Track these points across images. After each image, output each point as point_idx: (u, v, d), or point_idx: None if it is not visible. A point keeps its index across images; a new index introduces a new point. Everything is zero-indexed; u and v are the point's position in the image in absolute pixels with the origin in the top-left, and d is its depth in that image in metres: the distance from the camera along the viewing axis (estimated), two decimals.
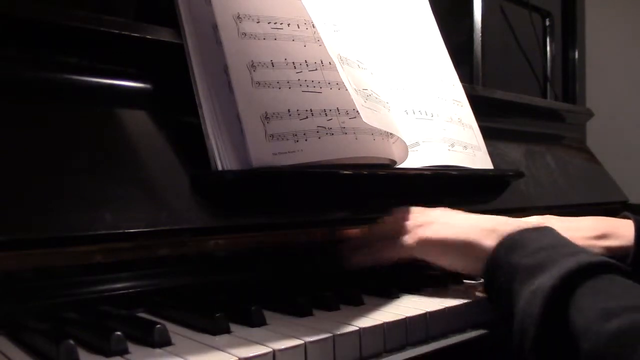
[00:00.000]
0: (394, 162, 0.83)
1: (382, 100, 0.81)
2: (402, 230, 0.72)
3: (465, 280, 0.77)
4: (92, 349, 0.48)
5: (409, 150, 0.84)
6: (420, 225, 0.72)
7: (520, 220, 0.70)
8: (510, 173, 1.05)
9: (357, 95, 0.74)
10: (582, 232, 0.84)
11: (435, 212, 0.74)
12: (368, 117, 0.73)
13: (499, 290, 0.61)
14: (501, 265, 0.61)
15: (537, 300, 0.53)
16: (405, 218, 0.74)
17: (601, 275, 0.54)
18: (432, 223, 0.71)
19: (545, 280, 0.54)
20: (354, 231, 0.80)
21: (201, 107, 0.69)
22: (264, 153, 0.68)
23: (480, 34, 1.27)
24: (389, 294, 0.67)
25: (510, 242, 0.62)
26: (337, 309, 0.61)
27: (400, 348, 0.56)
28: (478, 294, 0.69)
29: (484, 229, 0.66)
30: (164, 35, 0.71)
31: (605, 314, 0.49)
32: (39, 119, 0.61)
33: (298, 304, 0.59)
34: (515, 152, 1.20)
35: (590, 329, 0.49)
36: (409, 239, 0.71)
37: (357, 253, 0.75)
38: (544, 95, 1.55)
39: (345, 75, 0.74)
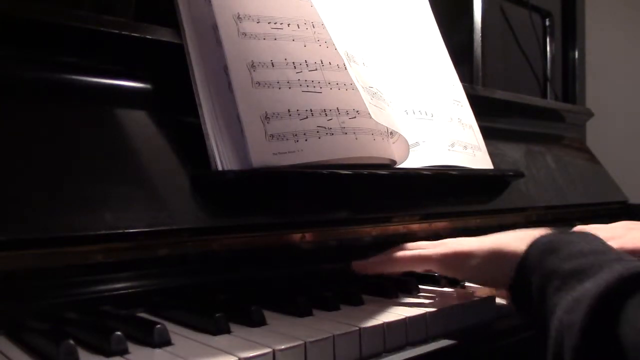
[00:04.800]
0: (394, 162, 0.83)
1: (385, 99, 0.81)
2: (422, 246, 0.70)
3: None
4: (92, 349, 0.48)
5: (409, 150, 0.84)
6: (442, 243, 0.69)
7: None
8: (510, 173, 1.05)
9: (365, 92, 0.74)
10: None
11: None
12: (376, 114, 0.73)
13: (529, 295, 0.56)
14: (534, 268, 0.56)
15: (581, 309, 0.48)
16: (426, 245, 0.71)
17: None
18: (455, 240, 0.69)
19: (590, 287, 0.49)
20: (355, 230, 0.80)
21: (201, 107, 0.69)
22: (264, 153, 0.68)
23: (480, 34, 1.28)
24: (389, 294, 0.67)
25: (545, 244, 0.57)
26: (337, 309, 0.61)
27: (400, 348, 0.56)
28: (480, 294, 0.69)
29: (514, 237, 0.62)
30: (164, 35, 0.71)
31: None
32: (38, 119, 0.61)
33: (298, 304, 0.59)
34: (515, 152, 1.20)
35: None
36: (430, 251, 0.68)
37: (372, 260, 0.71)
38: (544, 95, 1.55)
39: (353, 72, 0.74)
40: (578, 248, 0.55)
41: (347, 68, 0.74)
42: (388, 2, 0.99)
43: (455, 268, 0.67)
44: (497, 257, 0.62)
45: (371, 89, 0.77)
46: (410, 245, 0.74)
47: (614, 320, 0.46)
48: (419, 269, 0.71)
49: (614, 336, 0.46)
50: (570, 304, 0.50)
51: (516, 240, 0.61)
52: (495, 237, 0.66)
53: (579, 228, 0.97)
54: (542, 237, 0.58)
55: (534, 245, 0.58)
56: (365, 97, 0.73)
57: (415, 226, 0.90)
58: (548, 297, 0.53)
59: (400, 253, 0.70)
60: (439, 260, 0.67)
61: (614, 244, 0.87)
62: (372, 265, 0.71)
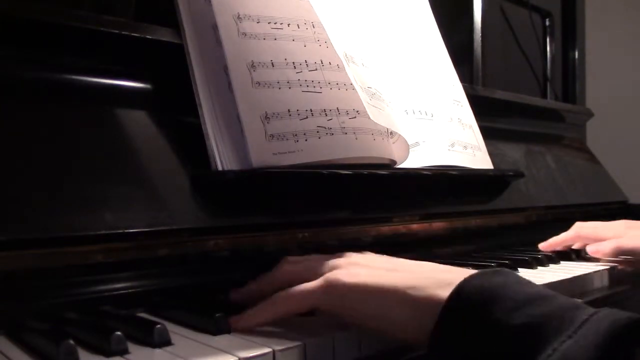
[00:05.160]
0: (394, 162, 0.83)
1: (385, 99, 0.81)
2: (309, 274, 0.55)
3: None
4: (92, 349, 0.48)
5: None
6: (333, 267, 0.55)
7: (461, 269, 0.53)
8: (510, 173, 1.05)
9: (363, 93, 0.74)
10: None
11: (358, 255, 0.59)
12: (374, 115, 0.73)
13: (461, 349, 0.46)
14: (469, 320, 0.46)
15: None
16: (315, 263, 0.58)
17: None
18: (350, 265, 0.55)
19: (568, 348, 0.42)
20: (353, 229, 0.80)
21: (201, 107, 0.69)
22: (264, 153, 0.68)
23: (480, 34, 1.28)
24: None
25: (478, 291, 0.47)
26: None
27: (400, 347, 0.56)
28: None
29: (427, 279, 0.50)
30: (164, 35, 0.71)
31: None
32: (38, 119, 0.61)
33: None
34: (515, 152, 1.20)
35: None
36: (314, 284, 0.53)
37: (248, 311, 0.55)
38: (544, 95, 1.55)
39: (351, 72, 0.74)
40: (519, 294, 0.47)
41: (346, 68, 0.74)
42: (388, 2, 0.99)
43: (344, 307, 0.52)
44: (409, 304, 0.49)
45: (370, 89, 0.77)
46: (290, 267, 0.59)
47: None
48: (302, 307, 0.54)
49: None
50: None
51: (433, 285, 0.49)
52: (403, 274, 0.52)
53: (580, 224, 0.97)
54: (468, 282, 0.48)
55: (462, 292, 0.47)
56: (364, 98, 0.73)
57: (415, 226, 0.90)
58: (501, 355, 0.45)
59: (278, 296, 0.55)
60: (322, 296, 0.53)
61: (613, 242, 0.89)
62: (249, 319, 0.54)
